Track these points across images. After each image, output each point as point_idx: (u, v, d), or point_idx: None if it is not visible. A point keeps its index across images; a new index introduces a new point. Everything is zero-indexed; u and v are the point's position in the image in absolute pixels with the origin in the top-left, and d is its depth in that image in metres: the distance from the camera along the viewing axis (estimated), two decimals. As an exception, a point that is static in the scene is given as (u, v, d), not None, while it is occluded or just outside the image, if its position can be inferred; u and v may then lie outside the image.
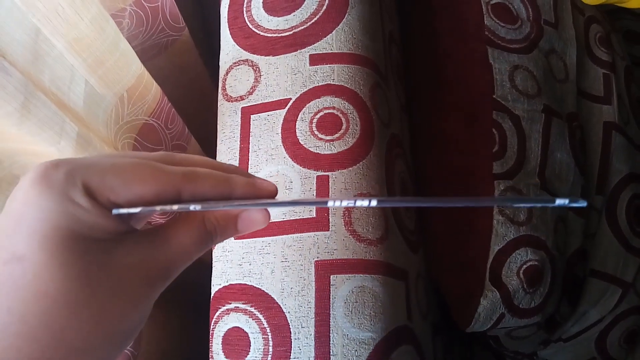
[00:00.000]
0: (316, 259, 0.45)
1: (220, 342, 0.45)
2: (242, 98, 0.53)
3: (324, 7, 0.53)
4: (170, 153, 0.26)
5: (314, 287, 0.44)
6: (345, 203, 0.22)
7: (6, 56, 0.31)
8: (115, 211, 0.22)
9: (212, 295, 0.47)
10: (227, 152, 0.51)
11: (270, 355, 0.43)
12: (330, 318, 0.43)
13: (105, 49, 0.42)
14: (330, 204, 0.22)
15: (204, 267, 0.50)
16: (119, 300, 0.22)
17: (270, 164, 0.49)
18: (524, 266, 0.55)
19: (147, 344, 0.57)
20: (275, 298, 0.44)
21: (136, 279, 0.23)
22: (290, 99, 0.51)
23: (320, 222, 0.46)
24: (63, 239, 0.21)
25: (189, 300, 0.66)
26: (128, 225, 0.24)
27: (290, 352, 0.43)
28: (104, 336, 0.22)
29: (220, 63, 0.56)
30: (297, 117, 0.50)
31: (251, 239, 0.47)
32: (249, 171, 0.49)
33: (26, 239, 0.20)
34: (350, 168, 0.47)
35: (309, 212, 0.47)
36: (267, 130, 0.50)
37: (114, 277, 0.22)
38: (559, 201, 0.20)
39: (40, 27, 0.37)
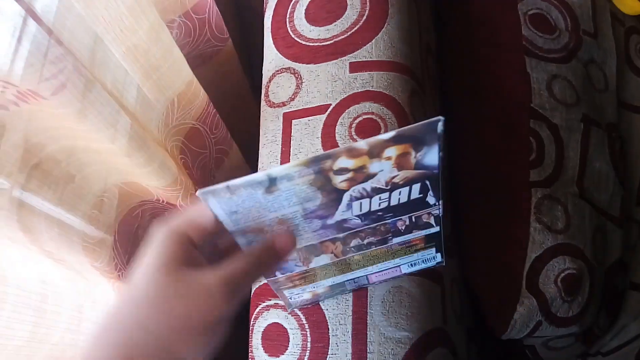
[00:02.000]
0: (354, 259, 0.46)
1: (260, 337, 0.47)
2: (284, 104, 0.55)
3: (364, 18, 0.55)
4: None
5: (351, 286, 0.45)
6: None
7: (78, 59, 0.34)
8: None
9: (252, 292, 0.49)
10: (268, 155, 0.53)
11: (308, 351, 0.44)
12: (368, 316, 0.44)
13: (161, 55, 0.45)
14: None
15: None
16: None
17: (310, 166, 0.51)
18: (562, 274, 0.55)
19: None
20: (313, 295, 0.45)
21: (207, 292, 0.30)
22: (330, 104, 0.52)
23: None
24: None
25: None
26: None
27: (328, 348, 0.44)
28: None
29: (264, 71, 0.58)
30: (336, 122, 0.51)
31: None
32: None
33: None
34: (388, 171, 0.49)
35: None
36: (307, 134, 0.52)
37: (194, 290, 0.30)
38: None
39: (103, 34, 0.40)
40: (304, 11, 0.58)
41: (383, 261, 0.42)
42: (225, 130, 0.61)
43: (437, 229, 0.39)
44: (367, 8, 0.56)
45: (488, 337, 0.62)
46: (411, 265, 0.43)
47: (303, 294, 0.43)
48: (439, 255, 0.43)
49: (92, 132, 0.38)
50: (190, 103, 0.52)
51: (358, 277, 0.43)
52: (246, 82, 0.75)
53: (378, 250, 0.40)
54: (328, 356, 0.44)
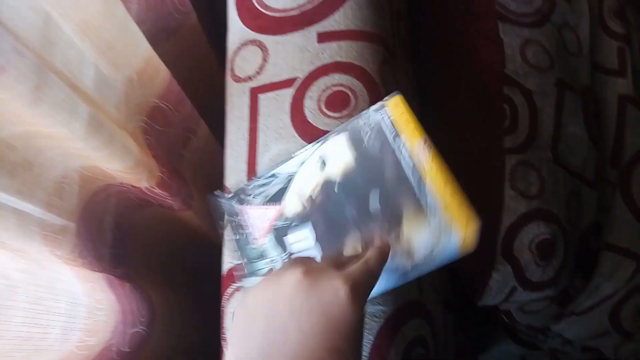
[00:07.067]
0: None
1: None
2: (250, 78, 0.53)
3: (331, -16, 0.53)
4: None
5: (325, 263, 0.44)
6: None
7: (20, 39, 0.31)
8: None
9: (224, 273, 0.48)
10: (236, 131, 0.52)
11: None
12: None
13: (115, 32, 0.42)
14: None
15: (216, 248, 0.51)
16: None
17: (279, 142, 0.49)
18: (536, 240, 0.55)
19: (162, 323, 0.58)
20: (287, 274, 0.45)
21: None
22: (298, 77, 0.51)
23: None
24: None
25: (202, 280, 0.67)
26: None
27: (303, 326, 0.43)
28: None
29: (228, 44, 0.56)
30: (305, 95, 0.50)
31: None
32: (258, 150, 0.50)
33: None
34: (359, 145, 0.47)
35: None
36: (275, 109, 0.51)
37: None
38: None
39: (51, 11, 0.37)
40: (268, -21, 0.55)
41: None
42: (192, 107, 0.59)
43: None
44: (333, -26, 0.53)
45: (466, 306, 0.63)
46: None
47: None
48: None
49: (43, 117, 0.36)
50: (150, 80, 0.50)
51: None
52: (212, 57, 0.72)
53: None
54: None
